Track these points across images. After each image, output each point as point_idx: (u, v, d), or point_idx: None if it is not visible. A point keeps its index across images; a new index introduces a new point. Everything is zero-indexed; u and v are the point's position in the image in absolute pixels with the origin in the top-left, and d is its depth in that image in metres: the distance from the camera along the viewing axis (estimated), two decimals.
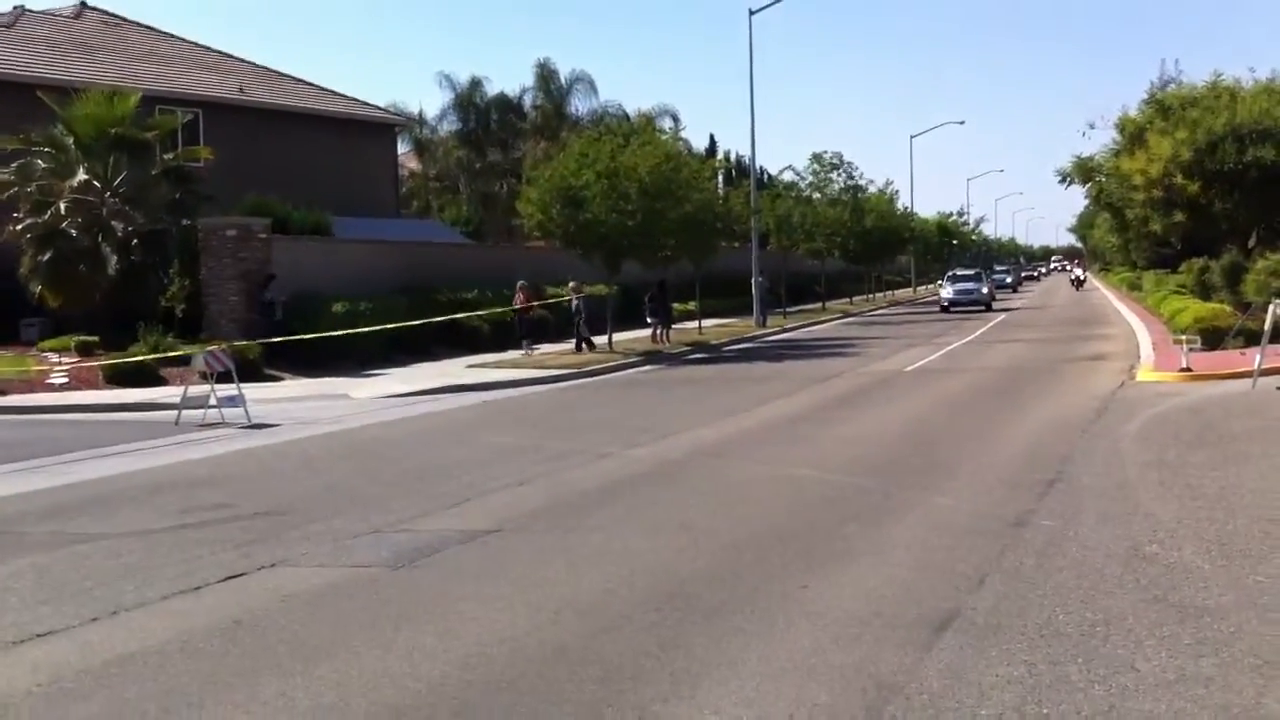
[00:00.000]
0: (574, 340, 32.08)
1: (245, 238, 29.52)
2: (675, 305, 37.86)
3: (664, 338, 34.52)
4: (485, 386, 24.30)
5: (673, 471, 13.35)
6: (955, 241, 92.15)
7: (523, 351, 31.04)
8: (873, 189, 61.08)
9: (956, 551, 8.79)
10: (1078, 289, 79.58)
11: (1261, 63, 77.33)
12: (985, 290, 54.50)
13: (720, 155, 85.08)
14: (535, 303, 33.41)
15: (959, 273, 60.01)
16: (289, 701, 6.22)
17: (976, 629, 6.89)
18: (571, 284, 33.74)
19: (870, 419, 17.44)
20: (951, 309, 51.65)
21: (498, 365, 28.05)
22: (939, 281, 63.00)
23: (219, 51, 45.09)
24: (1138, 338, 30.29)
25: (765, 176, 64.14)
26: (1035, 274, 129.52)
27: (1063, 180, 50.42)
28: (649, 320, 35.23)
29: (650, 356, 30.86)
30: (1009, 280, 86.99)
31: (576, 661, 6.67)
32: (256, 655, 7.07)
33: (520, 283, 33.23)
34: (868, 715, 5.68)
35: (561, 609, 7.75)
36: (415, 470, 14.09)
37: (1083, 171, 48.93)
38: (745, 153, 49.29)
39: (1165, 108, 38.62)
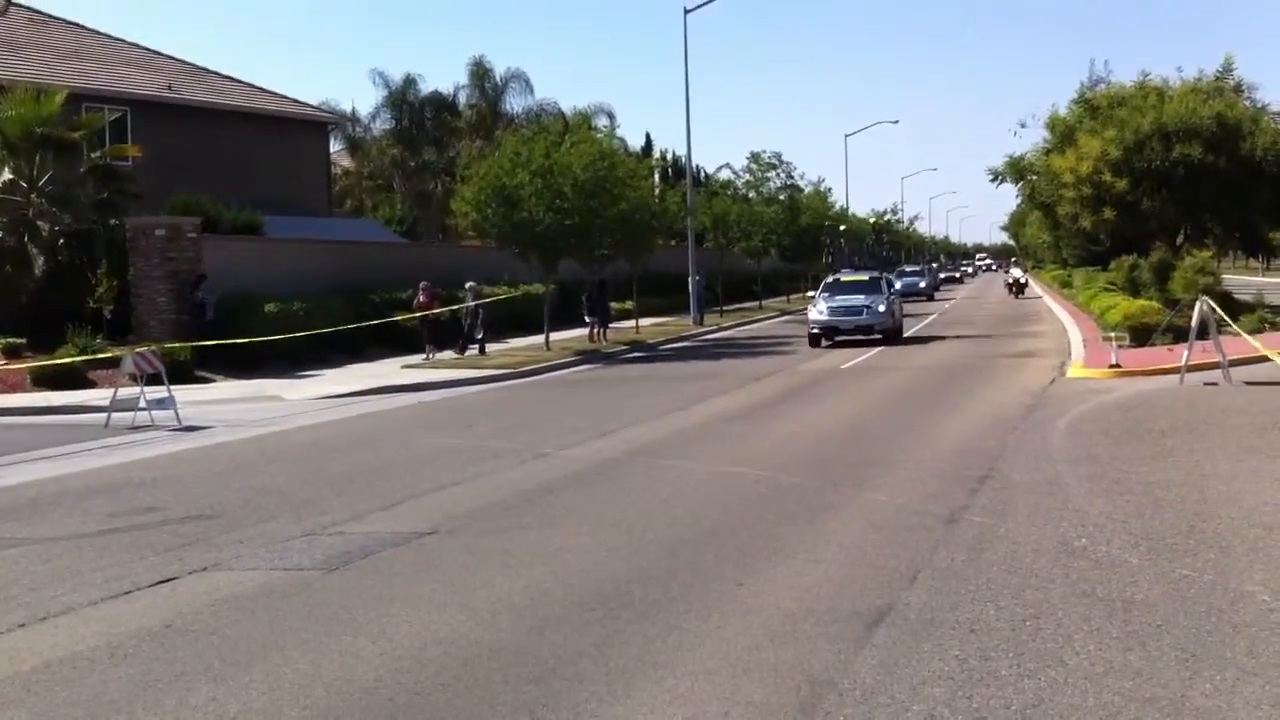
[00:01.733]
0: (461, 343, 31.05)
1: (175, 237, 29.14)
2: (613, 304, 37.83)
3: (601, 337, 34.51)
4: (420, 387, 24.16)
5: (609, 471, 13.34)
6: (886, 238, 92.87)
7: (424, 356, 30.02)
8: (809, 188, 61.47)
9: (890, 548, 8.86)
10: (1016, 296, 63.01)
11: (1188, 63, 78.73)
12: (882, 308, 32.86)
13: (657, 154, 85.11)
14: (439, 306, 31.73)
15: (843, 278, 36.78)
16: (220, 707, 6.14)
17: (909, 625, 6.94)
18: (469, 285, 32.72)
19: (806, 416, 17.54)
20: (822, 342, 32.43)
21: (433, 366, 27.92)
22: (809, 294, 39.44)
23: (147, 49, 44.37)
24: (1068, 335, 30.72)
25: (702, 175, 64.34)
26: (957, 274, 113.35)
27: (995, 179, 50.78)
28: (586, 319, 35.21)
29: (587, 356, 30.85)
30: (922, 285, 69.40)
31: (511, 662, 6.64)
32: (187, 660, 6.98)
33: (423, 284, 31.84)
34: (801, 712, 5.71)
35: (497, 610, 7.72)
36: (349, 472, 13.97)
37: (1014, 170, 49.38)
38: (682, 151, 49.14)
39: (1094, 107, 39.11)
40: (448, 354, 30.44)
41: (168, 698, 6.33)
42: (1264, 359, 20.53)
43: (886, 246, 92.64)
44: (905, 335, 34.88)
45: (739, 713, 5.74)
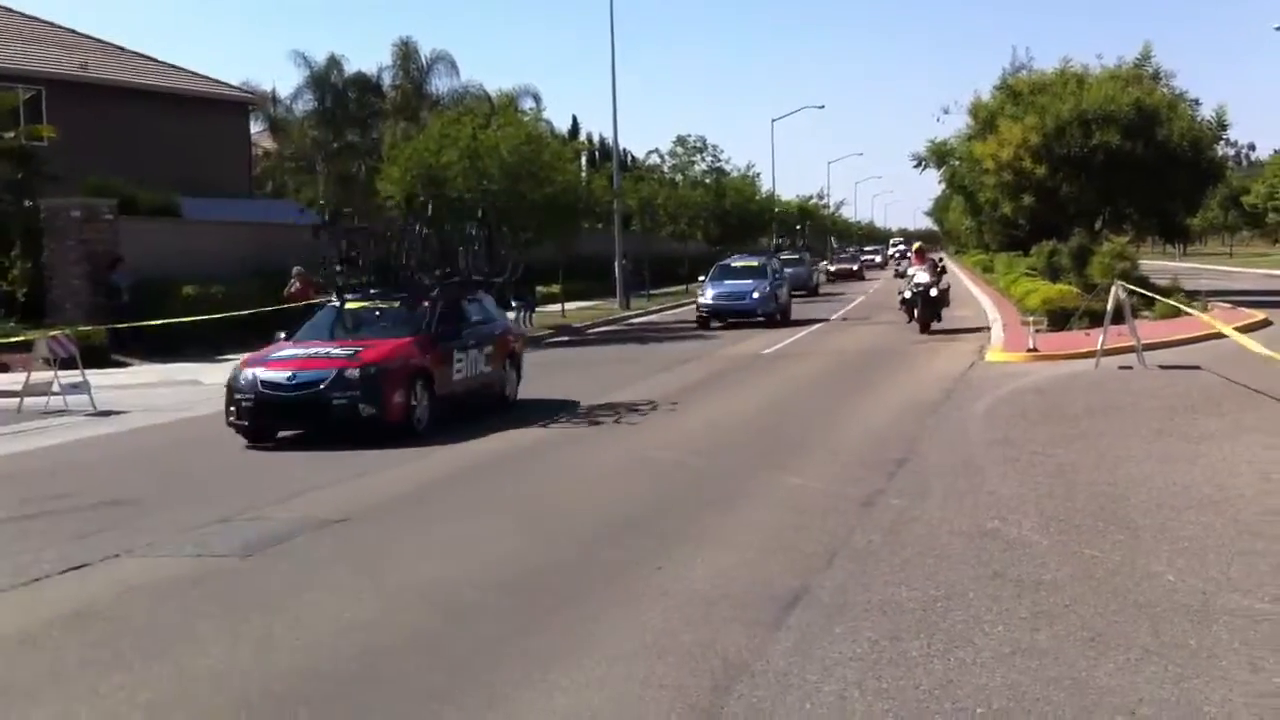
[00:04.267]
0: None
1: (90, 219, 28.57)
2: (539, 288, 37.66)
3: (527, 321, 34.37)
4: None
5: (530, 456, 13.33)
6: (810, 223, 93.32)
7: None
8: (735, 172, 61.64)
9: (807, 531, 8.94)
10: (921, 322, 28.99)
11: (1109, 49, 79.66)
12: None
13: (583, 137, 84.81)
14: (315, 294, 27.03)
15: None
16: (130, 695, 6.07)
17: (823, 607, 7.01)
18: (296, 270, 28.27)
19: (728, 401, 17.62)
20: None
21: None
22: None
23: (62, 27, 43.45)
24: (989, 319, 31.08)
25: (629, 159, 64.26)
26: (854, 266, 77.89)
27: (918, 164, 51.39)
28: (512, 304, 35.01)
29: None
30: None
31: (428, 649, 6.63)
32: (98, 648, 6.89)
33: (296, 269, 28.06)
34: (715, 693, 5.75)
35: (413, 597, 7.69)
36: (265, 458, 13.82)
37: (937, 155, 49.97)
38: (609, 135, 49.01)
39: (1016, 93, 39.52)
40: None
41: (77, 685, 6.26)
42: (1176, 344, 20.96)
43: (801, 237, 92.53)
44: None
45: (653, 695, 5.77)
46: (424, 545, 9.11)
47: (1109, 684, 5.63)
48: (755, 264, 36.56)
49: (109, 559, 8.97)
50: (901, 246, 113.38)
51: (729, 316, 33.32)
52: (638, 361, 24.36)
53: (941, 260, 32.48)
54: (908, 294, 28.78)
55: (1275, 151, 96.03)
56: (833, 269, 73.52)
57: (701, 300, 34.27)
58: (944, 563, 7.84)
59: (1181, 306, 22.73)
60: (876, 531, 8.80)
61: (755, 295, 33.40)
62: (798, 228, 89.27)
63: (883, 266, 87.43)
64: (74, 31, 43.63)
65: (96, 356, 23.85)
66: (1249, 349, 14.79)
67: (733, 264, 36.90)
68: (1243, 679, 5.62)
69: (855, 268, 76.71)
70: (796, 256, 55.96)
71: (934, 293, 27.90)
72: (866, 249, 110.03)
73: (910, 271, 29.36)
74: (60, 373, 19.02)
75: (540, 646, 6.57)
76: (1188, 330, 21.88)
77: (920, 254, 29.60)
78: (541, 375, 22.95)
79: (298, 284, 28.07)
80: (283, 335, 16.09)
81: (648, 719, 5.56)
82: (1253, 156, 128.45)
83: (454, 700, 5.85)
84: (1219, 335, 19.57)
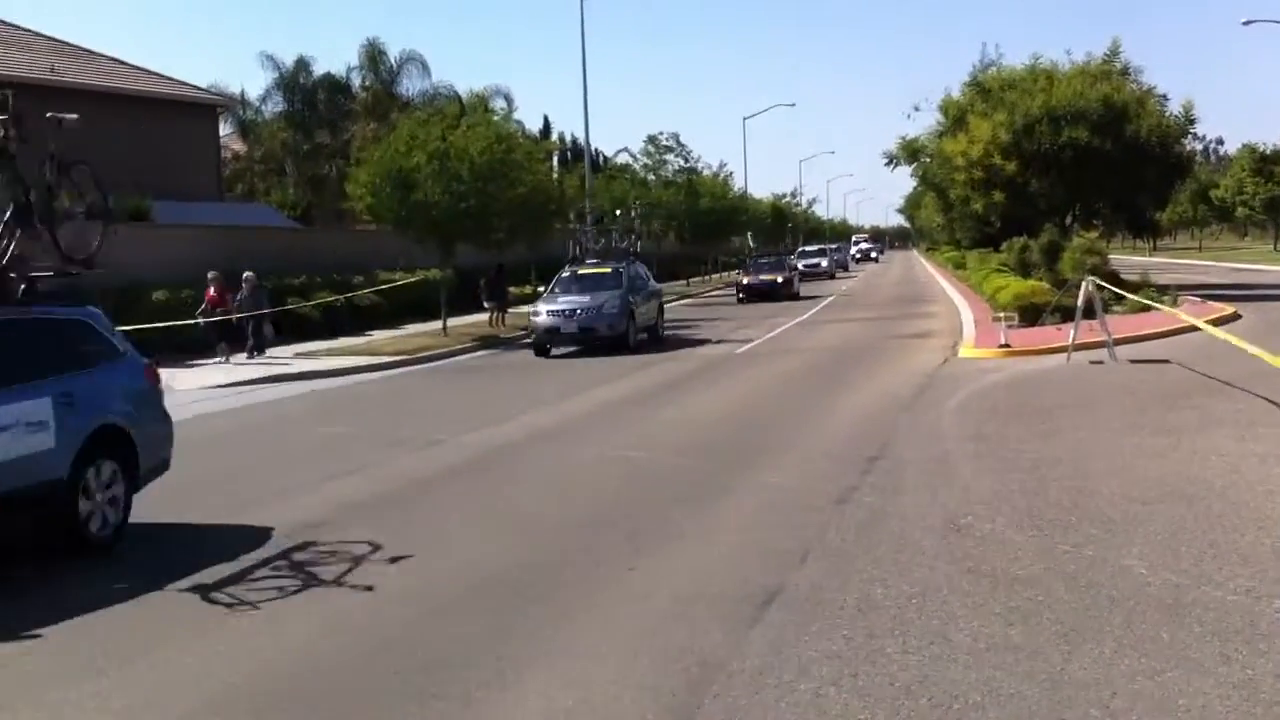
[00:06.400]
0: (250, 345, 26.93)
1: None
2: (512, 289, 37.58)
3: (500, 322, 34.28)
4: (316, 375, 23.82)
5: (505, 457, 13.29)
6: (790, 224, 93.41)
7: (218, 360, 26.15)
8: (708, 171, 61.66)
9: (782, 529, 8.94)
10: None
11: (1078, 45, 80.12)
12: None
13: (555, 137, 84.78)
14: (231, 300, 26.96)
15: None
16: (103, 701, 6.07)
17: (798, 605, 7.01)
18: (246, 275, 27.31)
19: (702, 400, 17.62)
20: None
21: (328, 353, 27.50)
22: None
23: (29, 30, 43.12)
24: (961, 315, 31.18)
25: (601, 159, 64.19)
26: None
27: (889, 162, 51.50)
28: (485, 304, 34.95)
29: (486, 341, 30.62)
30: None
31: (403, 651, 6.60)
32: (73, 656, 6.85)
33: (211, 274, 26.80)
34: (690, 693, 5.74)
35: (389, 599, 7.65)
36: (237, 463, 13.75)
37: (908, 153, 50.09)
38: (580, 134, 48.86)
39: (986, 90, 39.74)
40: (241, 357, 26.70)
41: (51, 693, 6.22)
42: (1146, 338, 21.08)
43: (790, 238, 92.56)
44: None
45: (629, 695, 5.76)
46: (400, 545, 9.06)
47: (1083, 678, 5.64)
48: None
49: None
50: (864, 245, 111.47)
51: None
52: (612, 361, 24.32)
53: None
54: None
55: (1243, 146, 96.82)
56: (745, 282, 47.19)
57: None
58: (918, 559, 7.85)
59: (1148, 302, 22.85)
60: (851, 528, 8.81)
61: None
62: (789, 225, 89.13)
63: (829, 275, 67.86)
64: (41, 34, 43.30)
65: None
66: (1230, 342, 14.86)
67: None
68: (1216, 671, 5.65)
69: (778, 280, 46.38)
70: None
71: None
72: (807, 249, 78.09)
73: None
74: None
75: (515, 647, 6.54)
76: (1157, 325, 21.99)
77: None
78: (516, 377, 22.95)
79: (213, 290, 26.75)
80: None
81: (624, 719, 5.54)
82: (1221, 151, 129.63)
83: (428, 703, 5.82)
84: (1189, 329, 19.71)
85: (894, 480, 10.53)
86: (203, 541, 9.66)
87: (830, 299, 44.96)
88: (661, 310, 30.48)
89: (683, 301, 50.49)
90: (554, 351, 26.62)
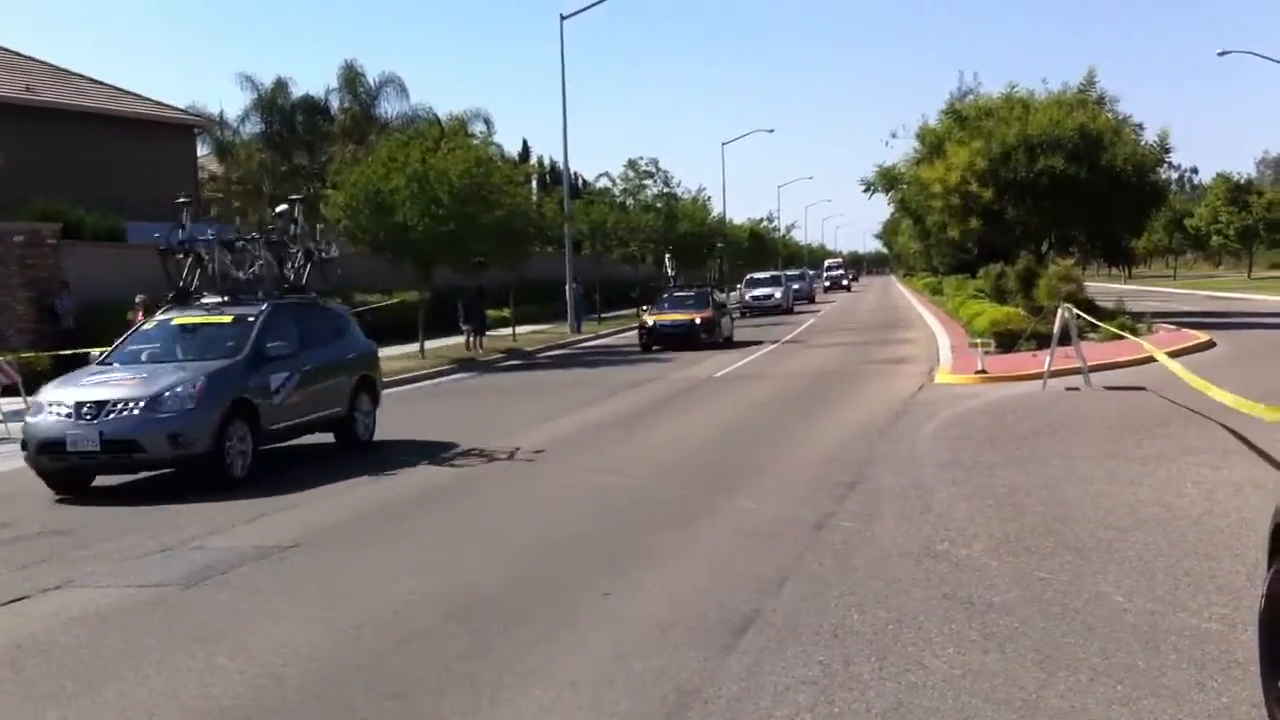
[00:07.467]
0: None
1: (34, 244, 28.22)
2: (490, 312, 37.53)
3: (478, 345, 34.23)
4: None
5: (481, 480, 13.25)
6: (769, 249, 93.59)
7: None
8: (686, 196, 61.69)
9: (758, 555, 8.91)
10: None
11: (1054, 75, 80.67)
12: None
13: (534, 160, 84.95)
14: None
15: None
16: None
17: (775, 631, 6.98)
18: (139, 299, 24.09)
19: (679, 424, 17.59)
20: None
21: None
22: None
23: (5, 49, 42.98)
24: (938, 341, 31.28)
25: (580, 182, 64.22)
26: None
27: (867, 189, 51.65)
28: (463, 327, 34.88)
29: (464, 364, 30.59)
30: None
31: (374, 677, 6.54)
32: (38, 681, 6.77)
33: (139, 297, 24.14)
34: None
35: (360, 624, 7.59)
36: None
37: (886, 179, 50.26)
38: (560, 158, 48.79)
39: (963, 118, 39.95)
40: None
41: (17, 718, 6.13)
42: (1122, 365, 21.17)
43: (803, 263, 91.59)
44: None
45: None
46: (373, 570, 9.00)
47: (1059, 705, 5.63)
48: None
49: (50, 590, 8.84)
50: (835, 273, 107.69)
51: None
52: (590, 385, 24.29)
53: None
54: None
55: (1217, 175, 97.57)
56: (651, 323, 35.32)
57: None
58: (895, 585, 7.83)
59: (1116, 330, 22.96)
60: (828, 554, 8.79)
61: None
62: (770, 249, 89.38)
63: (786, 309, 57.64)
64: (18, 54, 43.15)
65: (41, 383, 23.40)
66: (1182, 378, 14.93)
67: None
68: (1191, 698, 5.64)
69: (695, 320, 34.56)
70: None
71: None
72: (756, 276, 64.72)
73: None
74: (1, 400, 18.72)
75: (489, 673, 6.49)
76: (1132, 353, 22.10)
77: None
78: (494, 399, 22.89)
79: (140, 315, 23.65)
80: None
81: None
82: (1195, 180, 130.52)
83: None
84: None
85: (870, 506, 10.52)
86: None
87: (771, 346, 33.85)
88: (374, 388, 16.99)
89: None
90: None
